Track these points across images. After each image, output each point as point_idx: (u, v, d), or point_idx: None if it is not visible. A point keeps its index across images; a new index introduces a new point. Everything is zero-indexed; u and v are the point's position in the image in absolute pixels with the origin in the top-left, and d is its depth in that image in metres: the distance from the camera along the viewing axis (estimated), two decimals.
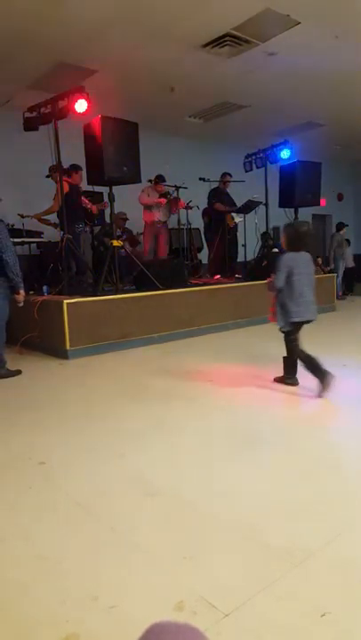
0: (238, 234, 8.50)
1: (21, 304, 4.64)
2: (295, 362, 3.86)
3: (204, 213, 8.56)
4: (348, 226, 11.47)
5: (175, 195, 7.83)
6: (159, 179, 7.77)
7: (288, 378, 3.96)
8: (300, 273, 3.63)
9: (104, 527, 1.99)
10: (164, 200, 7.78)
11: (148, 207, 7.85)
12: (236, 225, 8.26)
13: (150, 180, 7.68)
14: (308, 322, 3.75)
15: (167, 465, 2.57)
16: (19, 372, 4.67)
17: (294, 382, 3.94)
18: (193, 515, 2.06)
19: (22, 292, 4.58)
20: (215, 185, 8.30)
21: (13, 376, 4.60)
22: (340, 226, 11.05)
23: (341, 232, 10.98)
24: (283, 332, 3.79)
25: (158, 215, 7.86)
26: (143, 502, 2.18)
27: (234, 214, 8.14)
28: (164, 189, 7.83)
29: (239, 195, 8.33)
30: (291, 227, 3.87)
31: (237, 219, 8.20)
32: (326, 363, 4.63)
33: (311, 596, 1.53)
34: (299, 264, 3.65)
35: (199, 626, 0.78)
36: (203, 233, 9.08)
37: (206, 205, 8.46)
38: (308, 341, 5.76)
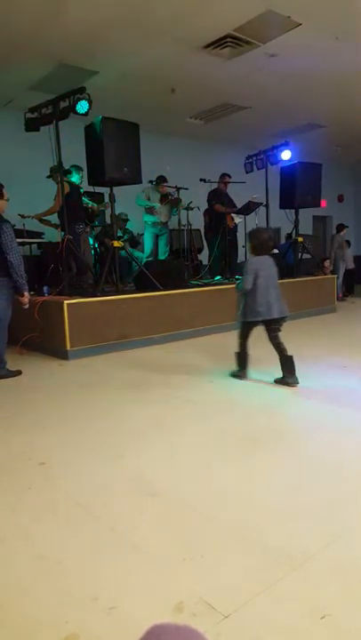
0: (239, 235, 8.49)
1: (26, 306, 4.64)
2: (289, 359, 3.97)
3: (205, 213, 8.56)
4: (349, 227, 11.48)
5: (176, 195, 7.83)
6: (161, 179, 7.77)
7: (288, 377, 3.99)
8: (265, 275, 3.97)
9: (104, 527, 1.99)
10: (153, 209, 7.73)
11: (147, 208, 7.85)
12: (236, 225, 8.25)
13: (151, 181, 7.68)
14: (282, 319, 3.99)
15: (167, 465, 2.57)
16: (19, 373, 4.67)
17: (294, 383, 3.97)
18: (193, 516, 2.06)
19: (27, 294, 4.56)
20: (215, 186, 8.30)
21: (14, 376, 4.61)
22: (341, 227, 11.06)
23: (342, 233, 10.99)
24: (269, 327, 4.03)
25: (159, 216, 7.85)
26: (143, 503, 2.18)
27: (234, 215, 8.14)
28: (166, 190, 7.83)
29: (240, 196, 8.34)
30: (254, 234, 4.18)
31: (237, 219, 8.20)
32: (326, 364, 4.65)
33: (311, 598, 1.53)
34: (263, 267, 4.00)
35: (199, 627, 0.78)
36: (203, 233, 9.07)
37: (207, 207, 8.45)
38: (309, 343, 5.79)
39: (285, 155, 7.93)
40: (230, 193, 8.41)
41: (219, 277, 7.93)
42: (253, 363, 4.44)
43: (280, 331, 3.99)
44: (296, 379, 3.96)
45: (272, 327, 3.97)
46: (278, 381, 4.03)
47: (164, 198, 7.85)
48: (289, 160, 7.90)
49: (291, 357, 3.95)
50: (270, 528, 1.93)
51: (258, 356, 5.18)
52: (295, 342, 5.83)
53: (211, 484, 2.34)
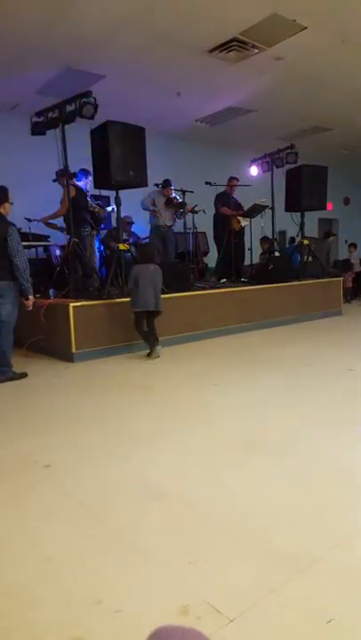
0: (246, 237, 8.48)
1: (30, 308, 4.68)
2: (147, 334, 5.30)
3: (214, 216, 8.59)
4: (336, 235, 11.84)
5: (181, 199, 7.82)
6: (166, 183, 7.77)
7: (152, 351, 5.27)
8: (145, 278, 5.19)
9: (109, 530, 1.99)
10: (159, 211, 7.72)
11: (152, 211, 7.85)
12: (242, 228, 8.23)
13: (157, 184, 7.69)
14: (152, 311, 5.26)
15: (172, 468, 2.57)
16: (25, 375, 4.68)
17: (156, 355, 5.23)
18: (198, 519, 2.05)
19: (32, 297, 4.62)
20: (221, 189, 8.30)
21: (19, 379, 4.62)
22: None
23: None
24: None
25: (164, 219, 7.84)
26: (148, 506, 2.17)
27: (240, 218, 8.12)
28: (170, 193, 7.82)
29: (246, 198, 8.34)
30: (138, 248, 5.70)
31: (244, 222, 8.18)
32: (332, 367, 4.63)
33: (317, 602, 1.52)
34: (144, 272, 5.23)
35: (204, 631, 0.77)
36: (213, 237, 9.05)
37: (214, 210, 8.46)
38: (316, 346, 5.76)
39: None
40: (238, 196, 8.41)
41: (225, 280, 7.93)
42: (260, 364, 4.43)
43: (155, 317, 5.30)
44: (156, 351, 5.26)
45: (150, 317, 5.28)
46: (148, 355, 5.31)
47: (170, 201, 7.85)
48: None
49: (154, 335, 5.31)
50: (275, 531, 1.92)
51: (265, 357, 5.18)
52: (302, 345, 5.84)
53: (216, 487, 2.33)
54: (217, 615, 1.47)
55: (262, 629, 1.42)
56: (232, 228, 8.02)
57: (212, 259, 9.33)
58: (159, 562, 1.76)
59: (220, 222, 8.21)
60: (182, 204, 7.79)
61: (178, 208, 7.88)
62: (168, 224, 7.92)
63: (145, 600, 1.57)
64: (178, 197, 7.83)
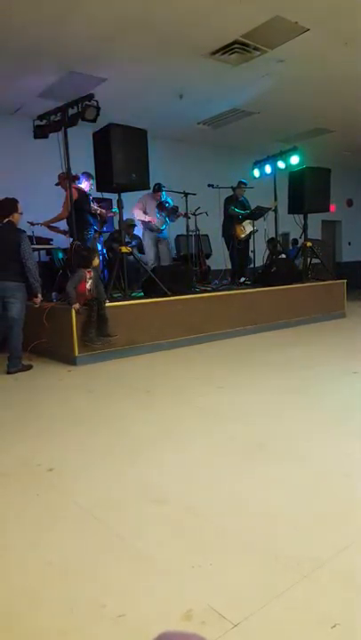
0: (250, 240, 8.47)
1: (38, 305, 5.15)
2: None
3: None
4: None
5: (172, 204, 7.75)
6: (158, 187, 7.67)
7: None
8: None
9: (112, 534, 1.98)
10: (153, 220, 7.64)
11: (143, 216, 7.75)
12: (247, 235, 8.18)
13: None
14: None
15: (176, 472, 2.55)
16: (30, 367, 5.10)
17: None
18: (202, 523, 2.04)
19: (40, 295, 5.09)
20: (224, 192, 8.28)
21: (27, 370, 5.04)
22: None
23: None
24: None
25: (154, 223, 7.74)
26: (151, 510, 2.16)
27: (245, 225, 8.09)
28: (161, 198, 7.73)
29: (249, 200, 8.34)
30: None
31: (249, 228, 8.13)
32: (336, 369, 4.61)
33: (321, 607, 1.50)
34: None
35: (208, 636, 0.76)
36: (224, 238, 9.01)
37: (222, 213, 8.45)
38: (319, 348, 5.74)
39: (294, 159, 7.97)
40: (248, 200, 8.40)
41: (244, 279, 8.02)
42: (264, 367, 4.40)
43: None
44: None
45: None
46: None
47: (161, 205, 7.75)
48: (298, 164, 7.93)
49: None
50: (280, 535, 1.91)
51: (267, 360, 5.17)
52: (306, 347, 5.82)
53: (220, 492, 2.32)
54: (221, 620, 1.46)
55: (266, 634, 1.41)
56: (237, 237, 8.00)
57: (214, 261, 9.32)
58: (162, 566, 1.75)
59: (229, 224, 8.19)
60: (175, 209, 7.73)
61: (169, 213, 7.82)
62: (160, 227, 7.83)
63: (148, 605, 1.56)
64: (169, 202, 7.77)
